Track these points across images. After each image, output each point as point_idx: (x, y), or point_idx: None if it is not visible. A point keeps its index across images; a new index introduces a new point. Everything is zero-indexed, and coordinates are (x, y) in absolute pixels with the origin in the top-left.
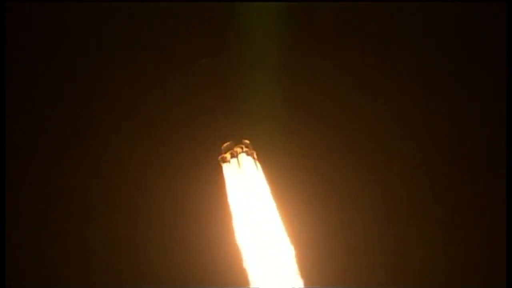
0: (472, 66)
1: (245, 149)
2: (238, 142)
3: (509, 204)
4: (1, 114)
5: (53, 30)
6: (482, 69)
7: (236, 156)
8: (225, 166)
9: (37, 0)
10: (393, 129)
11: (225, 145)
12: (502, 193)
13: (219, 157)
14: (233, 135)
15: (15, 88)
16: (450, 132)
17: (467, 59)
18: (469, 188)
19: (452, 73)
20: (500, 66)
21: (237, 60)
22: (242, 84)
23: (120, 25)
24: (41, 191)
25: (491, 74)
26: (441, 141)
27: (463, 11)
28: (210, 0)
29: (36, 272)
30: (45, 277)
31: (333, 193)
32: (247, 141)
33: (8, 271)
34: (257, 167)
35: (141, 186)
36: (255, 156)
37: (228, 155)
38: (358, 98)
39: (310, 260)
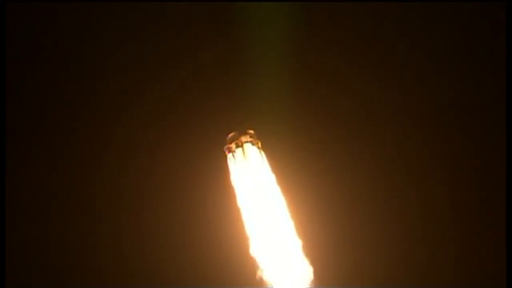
0: (472, 66)
1: (250, 139)
2: (243, 132)
3: (509, 205)
4: (1, 113)
5: (53, 29)
6: (482, 69)
7: (241, 146)
8: (230, 156)
9: (37, 0)
10: (397, 127)
11: (230, 135)
12: (503, 193)
13: (225, 147)
14: (238, 126)
15: (17, 86)
16: (452, 132)
17: (467, 59)
18: (471, 188)
19: (452, 73)
20: (500, 66)
21: (241, 52)
22: (247, 76)
23: (125, 20)
24: (45, 190)
25: (491, 74)
26: (446, 141)
27: (463, 11)
28: None
29: (39, 273)
30: (48, 278)
31: (337, 183)
32: (251, 131)
33: (8, 272)
34: (262, 156)
35: (148, 176)
36: (259, 145)
37: (233, 145)
38: (363, 89)
39: (315, 251)
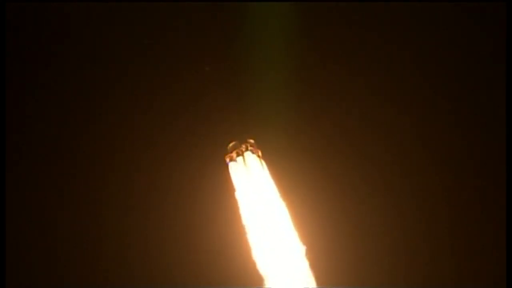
0: (472, 66)
1: (250, 148)
2: (243, 141)
3: (509, 205)
4: (2, 113)
5: (53, 29)
6: (482, 69)
7: (242, 155)
8: (231, 164)
9: (38, 0)
10: (399, 130)
11: (231, 144)
12: (503, 193)
13: (226, 156)
14: (238, 135)
15: (17, 87)
16: (452, 132)
17: (467, 59)
18: (471, 187)
19: (452, 73)
20: (500, 66)
21: (242, 64)
22: (246, 88)
23: (132, 28)
24: (47, 190)
25: (491, 74)
26: (445, 141)
27: (463, 11)
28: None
29: (39, 273)
30: (48, 278)
31: (336, 190)
32: (251, 141)
33: (8, 272)
34: (262, 164)
35: (151, 184)
36: (259, 154)
37: (234, 154)
38: (362, 97)
39: (316, 256)
